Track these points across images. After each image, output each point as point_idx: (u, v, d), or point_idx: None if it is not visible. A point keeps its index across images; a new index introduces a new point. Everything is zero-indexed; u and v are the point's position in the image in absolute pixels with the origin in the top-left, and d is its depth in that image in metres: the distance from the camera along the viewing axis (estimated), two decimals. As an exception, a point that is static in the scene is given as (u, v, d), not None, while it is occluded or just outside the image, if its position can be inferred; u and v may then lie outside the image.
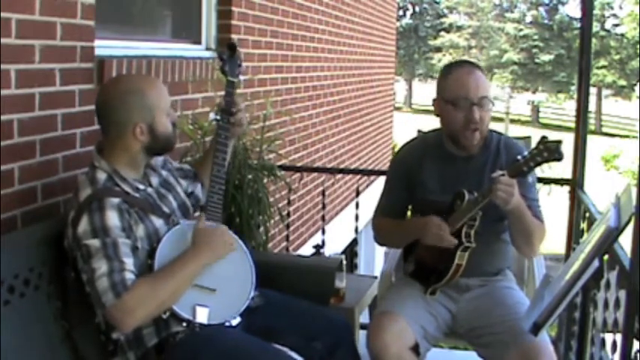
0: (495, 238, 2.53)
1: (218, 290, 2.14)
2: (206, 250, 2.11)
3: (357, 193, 4.23)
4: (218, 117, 2.40)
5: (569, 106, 31.77)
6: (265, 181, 3.21)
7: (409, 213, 2.67)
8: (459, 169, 2.49)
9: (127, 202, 2.07)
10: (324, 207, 4.31)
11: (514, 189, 2.24)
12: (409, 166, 2.58)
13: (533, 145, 2.25)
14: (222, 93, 2.53)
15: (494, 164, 2.45)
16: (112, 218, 2.00)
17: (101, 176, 2.10)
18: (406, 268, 2.64)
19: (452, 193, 2.42)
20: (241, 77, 2.42)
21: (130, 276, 1.96)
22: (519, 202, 2.30)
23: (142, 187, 2.18)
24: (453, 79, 2.45)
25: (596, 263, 1.87)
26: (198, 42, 3.79)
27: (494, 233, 2.51)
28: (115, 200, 2.04)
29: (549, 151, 2.18)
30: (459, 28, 36.88)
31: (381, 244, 2.79)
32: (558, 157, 2.18)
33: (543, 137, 2.21)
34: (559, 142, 2.19)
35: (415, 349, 2.35)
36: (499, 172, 2.26)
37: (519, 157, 2.24)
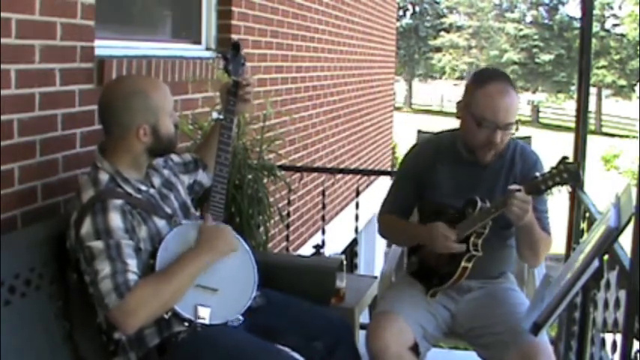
0: (500, 244, 2.51)
1: (220, 290, 2.14)
2: (209, 249, 2.12)
3: (357, 193, 4.23)
4: (221, 116, 2.40)
5: (569, 106, 31.77)
6: (265, 181, 3.21)
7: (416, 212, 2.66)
8: (472, 175, 2.45)
9: (130, 203, 2.07)
10: (324, 207, 4.31)
11: (529, 206, 2.21)
12: (421, 165, 2.55)
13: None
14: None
15: (508, 172, 2.42)
16: (115, 220, 2.00)
17: (104, 177, 2.10)
18: (409, 266, 2.64)
19: (463, 197, 2.38)
20: (244, 76, 2.42)
21: (133, 277, 1.96)
22: (530, 217, 2.28)
23: (144, 187, 2.18)
24: (485, 94, 2.33)
25: (596, 263, 1.87)
26: (198, 42, 3.79)
27: (501, 239, 2.49)
28: (118, 202, 2.04)
29: (569, 173, 2.14)
30: (459, 28, 36.88)
31: (384, 237, 2.77)
32: (577, 180, 2.15)
33: (564, 157, 2.16)
34: (578, 164, 2.17)
35: (414, 348, 2.35)
36: (515, 187, 2.22)
37: (538, 174, 2.20)
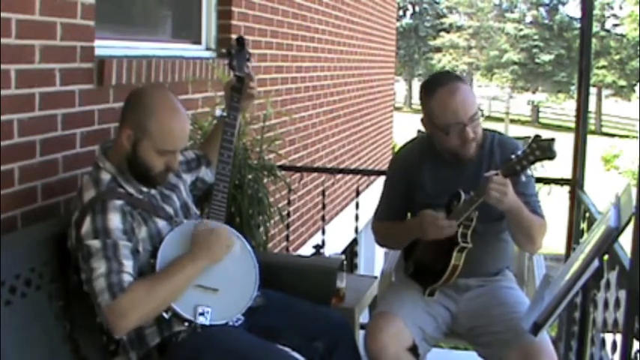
0: (494, 238, 2.52)
1: (221, 290, 2.14)
2: (204, 253, 2.11)
3: (357, 193, 4.23)
4: (224, 114, 2.40)
5: (569, 106, 31.75)
6: (265, 181, 3.21)
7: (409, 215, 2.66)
8: (455, 172, 2.47)
9: (131, 203, 2.08)
10: (324, 207, 4.31)
11: (507, 188, 2.23)
12: (408, 168, 2.58)
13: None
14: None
15: (489, 163, 2.45)
16: (114, 220, 2.01)
17: (105, 177, 2.10)
18: (406, 269, 2.64)
19: (449, 195, 2.40)
20: (248, 72, 2.41)
21: (127, 278, 1.96)
22: (515, 201, 2.29)
23: (145, 188, 2.18)
24: (438, 102, 2.38)
25: (596, 263, 1.87)
26: (198, 42, 3.79)
27: (493, 233, 2.51)
28: (119, 202, 2.04)
29: (542, 150, 2.16)
30: (459, 28, 36.86)
31: (382, 246, 2.80)
32: (551, 156, 2.16)
33: (536, 136, 2.19)
34: (552, 140, 2.17)
35: (413, 350, 2.35)
36: (492, 172, 2.25)
37: (513, 156, 2.22)
